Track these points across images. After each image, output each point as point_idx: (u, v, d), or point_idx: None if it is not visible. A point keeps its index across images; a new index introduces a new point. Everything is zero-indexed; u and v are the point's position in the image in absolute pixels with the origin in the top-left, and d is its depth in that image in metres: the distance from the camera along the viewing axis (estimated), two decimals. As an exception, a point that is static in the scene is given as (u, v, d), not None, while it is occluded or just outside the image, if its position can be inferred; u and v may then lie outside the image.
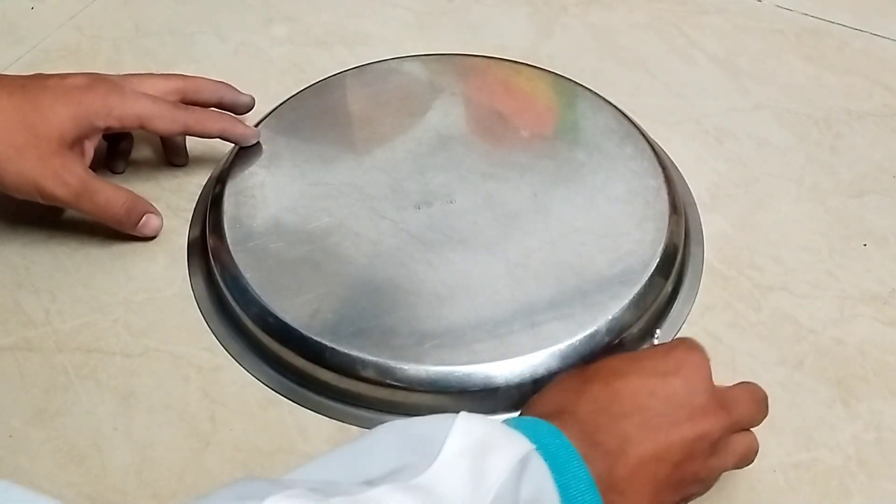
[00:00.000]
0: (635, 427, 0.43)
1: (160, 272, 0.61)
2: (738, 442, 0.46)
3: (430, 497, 0.37)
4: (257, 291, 0.56)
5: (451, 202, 0.60)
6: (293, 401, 0.54)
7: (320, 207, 0.60)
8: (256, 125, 0.65)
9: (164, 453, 0.52)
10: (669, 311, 0.58)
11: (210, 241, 0.59)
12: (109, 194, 0.59)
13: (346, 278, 0.56)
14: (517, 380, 0.52)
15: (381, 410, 0.53)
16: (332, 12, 0.78)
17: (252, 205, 0.60)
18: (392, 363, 0.53)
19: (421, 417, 0.41)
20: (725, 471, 0.45)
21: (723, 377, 0.54)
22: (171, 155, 0.66)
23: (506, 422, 0.42)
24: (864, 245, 0.61)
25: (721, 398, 0.45)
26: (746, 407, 0.46)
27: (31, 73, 0.60)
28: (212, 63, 0.74)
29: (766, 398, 0.47)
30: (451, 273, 0.56)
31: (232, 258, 0.57)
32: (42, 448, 0.53)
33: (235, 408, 0.54)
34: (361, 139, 0.65)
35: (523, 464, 0.39)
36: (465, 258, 0.57)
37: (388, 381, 0.52)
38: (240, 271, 0.57)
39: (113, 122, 0.58)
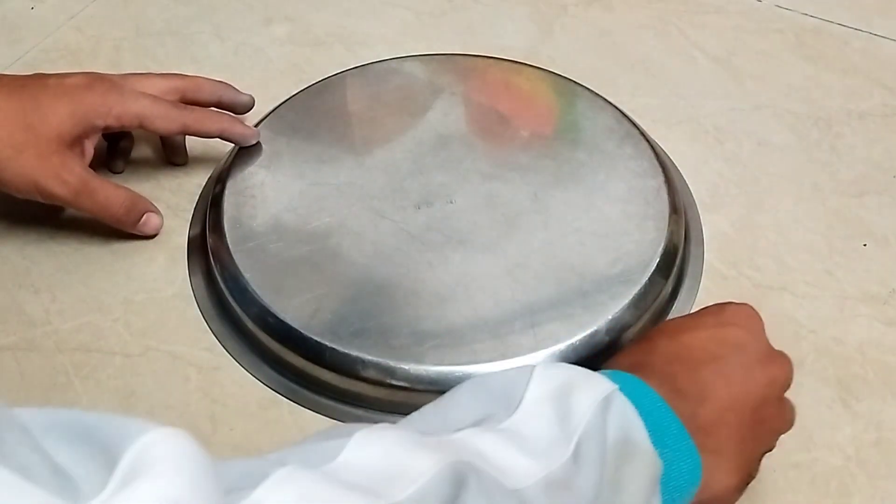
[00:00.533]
0: (712, 374, 0.43)
1: (160, 272, 0.61)
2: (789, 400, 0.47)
3: (516, 438, 0.38)
4: (257, 291, 0.56)
5: (451, 202, 0.60)
6: (293, 401, 0.54)
7: (320, 207, 0.60)
8: (256, 125, 0.65)
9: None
10: (669, 311, 0.58)
11: (210, 241, 0.59)
12: (109, 192, 0.59)
13: (346, 278, 0.56)
14: (517, 380, 0.52)
15: (381, 410, 0.53)
16: (332, 12, 0.78)
17: (252, 205, 0.60)
18: (392, 363, 0.53)
19: (499, 371, 0.42)
20: (789, 425, 0.47)
21: (723, 377, 0.55)
22: (171, 154, 0.66)
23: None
24: (864, 245, 0.61)
25: (773, 349, 0.46)
26: (788, 363, 0.47)
27: (31, 73, 0.60)
28: (212, 63, 0.74)
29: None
30: (451, 273, 0.56)
31: (232, 258, 0.57)
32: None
33: (235, 408, 0.54)
34: (361, 139, 0.65)
35: (607, 402, 0.40)
36: (465, 258, 0.57)
37: (388, 381, 0.52)
38: (240, 271, 0.57)
39: (112, 122, 0.58)
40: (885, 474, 0.51)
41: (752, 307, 0.48)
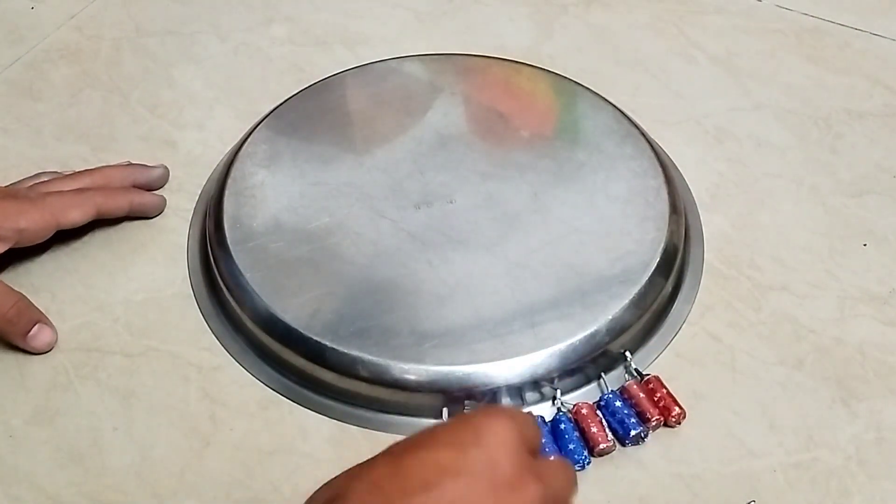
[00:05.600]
0: None
1: (160, 272, 0.61)
2: None
3: None
4: (257, 291, 0.56)
5: (451, 202, 0.60)
6: (293, 401, 0.54)
7: (320, 207, 0.60)
8: (256, 125, 0.65)
9: (164, 453, 0.52)
10: (669, 311, 0.58)
11: (210, 241, 0.59)
12: None
13: (346, 278, 0.56)
14: (517, 380, 0.53)
15: (381, 410, 0.53)
16: (332, 12, 0.78)
17: (252, 205, 0.60)
18: (392, 363, 0.53)
19: None
20: None
21: (723, 377, 0.55)
22: (141, 214, 0.63)
23: None
24: (864, 245, 0.61)
25: (529, 471, 0.38)
26: (561, 478, 0.40)
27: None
28: (212, 63, 0.74)
29: (576, 476, 0.42)
30: (451, 273, 0.56)
31: (232, 258, 0.57)
32: (42, 448, 0.53)
33: (235, 408, 0.54)
34: (361, 139, 0.65)
35: None
36: (465, 258, 0.57)
37: (388, 381, 0.52)
38: (240, 271, 0.57)
39: (25, 242, 0.58)
40: (885, 474, 0.51)
41: (508, 418, 0.39)
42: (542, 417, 0.53)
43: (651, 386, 0.53)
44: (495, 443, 0.37)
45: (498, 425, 0.38)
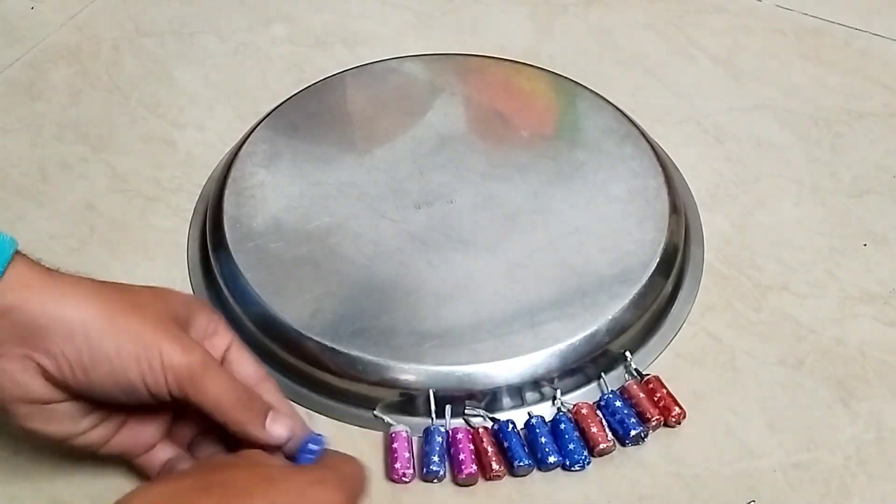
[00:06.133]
0: None
1: (160, 272, 0.61)
2: None
3: None
4: (257, 291, 0.56)
5: (451, 202, 0.60)
6: (293, 400, 0.54)
7: (320, 207, 0.60)
8: (256, 125, 0.65)
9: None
10: (669, 311, 0.58)
11: (210, 241, 0.59)
12: (234, 379, 0.47)
13: (346, 278, 0.56)
14: (517, 380, 0.53)
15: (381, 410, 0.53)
16: (332, 12, 0.78)
17: (252, 205, 0.60)
18: (392, 363, 0.53)
19: None
20: None
21: (723, 377, 0.55)
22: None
23: None
24: (864, 245, 0.61)
25: None
26: None
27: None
28: (212, 63, 0.74)
29: None
30: (451, 273, 0.56)
31: (232, 258, 0.57)
32: (42, 448, 0.53)
33: (235, 408, 0.54)
34: (361, 139, 0.65)
35: None
36: (465, 258, 0.57)
37: (388, 381, 0.52)
38: (240, 271, 0.57)
39: (213, 324, 0.49)
40: (885, 474, 0.51)
41: (337, 487, 0.40)
42: (542, 417, 0.53)
43: (651, 386, 0.53)
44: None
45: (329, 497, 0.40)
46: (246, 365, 0.49)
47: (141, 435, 0.48)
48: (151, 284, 0.47)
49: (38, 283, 0.43)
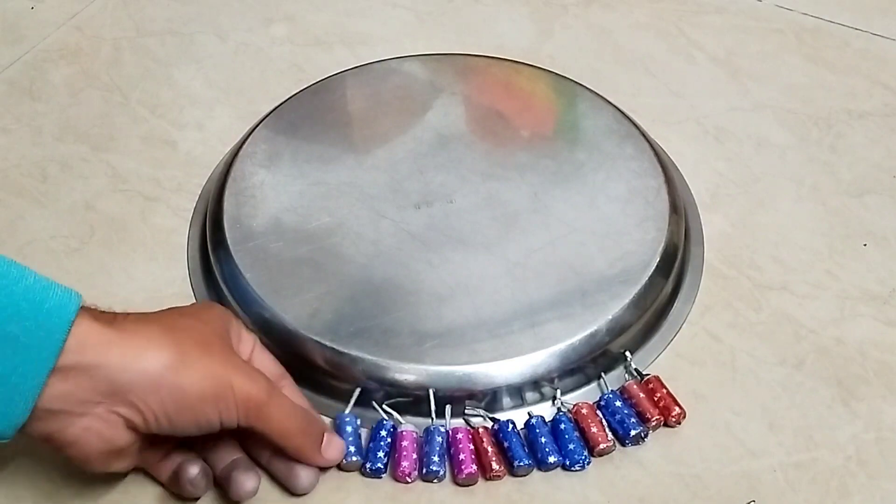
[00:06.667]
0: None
1: (160, 272, 0.61)
2: None
3: None
4: (257, 291, 0.56)
5: (451, 202, 0.60)
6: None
7: (320, 207, 0.60)
8: (256, 125, 0.65)
9: (164, 453, 0.52)
10: (669, 311, 0.58)
11: (210, 241, 0.59)
12: (291, 401, 0.49)
13: (346, 278, 0.56)
14: (517, 380, 0.53)
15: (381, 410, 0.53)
16: (332, 12, 0.78)
17: (252, 205, 0.60)
18: (392, 363, 0.53)
19: None
20: None
21: (723, 377, 0.55)
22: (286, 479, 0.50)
23: None
24: (864, 245, 0.61)
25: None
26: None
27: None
28: (212, 63, 0.74)
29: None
30: (451, 273, 0.56)
31: (232, 258, 0.57)
32: (42, 448, 0.53)
33: (235, 408, 0.54)
34: (361, 139, 0.65)
35: None
36: (465, 258, 0.57)
37: (388, 381, 0.52)
38: (240, 271, 0.57)
39: (238, 331, 0.51)
40: (885, 474, 0.51)
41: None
42: (542, 417, 0.53)
43: (651, 386, 0.53)
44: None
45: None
46: (268, 364, 0.51)
47: (162, 448, 0.49)
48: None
49: (114, 337, 0.44)
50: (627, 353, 0.55)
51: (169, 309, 0.49)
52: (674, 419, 0.52)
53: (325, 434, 0.49)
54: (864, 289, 0.59)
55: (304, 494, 0.50)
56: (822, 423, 0.53)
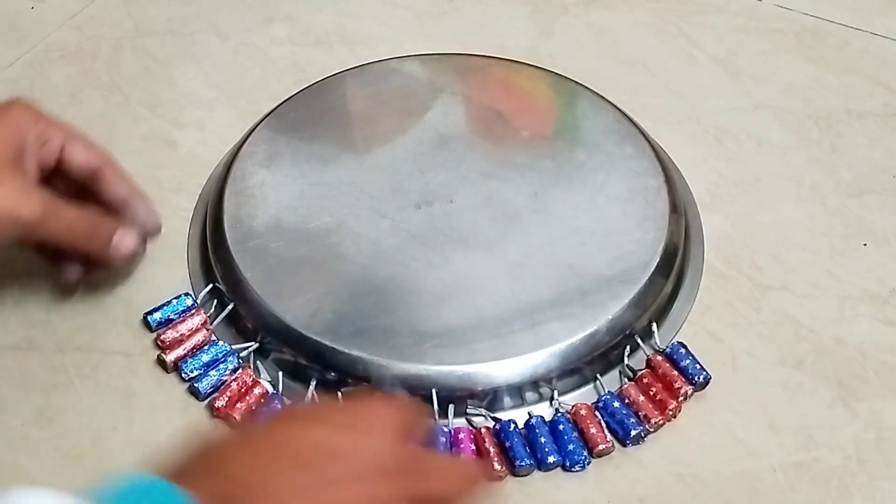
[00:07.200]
0: (286, 483, 0.36)
1: (160, 272, 0.61)
2: None
3: None
4: (257, 291, 0.56)
5: (452, 202, 0.60)
6: (293, 400, 0.54)
7: (320, 207, 0.60)
8: (256, 125, 0.65)
9: (164, 453, 0.52)
10: (669, 311, 0.58)
11: (210, 241, 0.59)
12: (73, 214, 0.53)
13: (346, 278, 0.56)
14: (517, 380, 0.53)
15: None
16: (332, 12, 0.78)
17: (252, 204, 0.60)
18: (392, 363, 0.53)
19: None
20: None
21: (723, 377, 0.55)
22: (132, 219, 0.57)
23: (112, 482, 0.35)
24: (864, 245, 0.61)
25: (413, 462, 0.39)
26: (444, 478, 0.40)
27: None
28: (212, 63, 0.74)
29: (475, 476, 0.42)
30: (451, 273, 0.56)
31: (232, 258, 0.57)
32: (42, 448, 0.53)
33: (235, 408, 0.54)
34: (361, 139, 0.65)
35: None
36: (465, 258, 0.57)
37: (388, 381, 0.52)
38: (240, 271, 0.57)
39: (41, 134, 0.53)
40: (885, 474, 0.51)
41: (394, 407, 0.40)
42: (541, 417, 0.53)
43: (646, 381, 0.53)
44: (374, 429, 0.39)
45: (381, 411, 0.40)
46: (81, 155, 0.54)
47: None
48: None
49: None
50: (626, 352, 0.55)
51: None
52: (671, 412, 0.52)
53: (118, 231, 0.54)
54: (864, 289, 0.59)
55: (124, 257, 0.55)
56: (822, 423, 0.53)
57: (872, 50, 0.74)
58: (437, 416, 0.52)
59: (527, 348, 0.53)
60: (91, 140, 0.56)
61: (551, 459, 0.51)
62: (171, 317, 0.57)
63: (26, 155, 0.52)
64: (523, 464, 0.50)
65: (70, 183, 0.55)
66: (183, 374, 0.55)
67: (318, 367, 0.54)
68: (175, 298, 0.57)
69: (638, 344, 0.55)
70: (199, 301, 0.58)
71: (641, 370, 0.54)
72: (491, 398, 0.53)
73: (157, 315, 0.57)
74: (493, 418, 0.52)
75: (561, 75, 0.69)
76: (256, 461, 0.37)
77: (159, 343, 0.56)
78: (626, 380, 0.55)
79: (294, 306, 0.55)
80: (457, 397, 0.52)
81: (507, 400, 0.53)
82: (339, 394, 0.53)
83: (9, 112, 0.53)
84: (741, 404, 0.54)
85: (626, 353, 0.55)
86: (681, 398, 0.53)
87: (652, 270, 0.56)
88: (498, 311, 0.54)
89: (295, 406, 0.43)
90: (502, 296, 0.55)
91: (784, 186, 0.65)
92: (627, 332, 0.55)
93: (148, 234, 0.58)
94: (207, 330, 0.56)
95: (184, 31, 0.77)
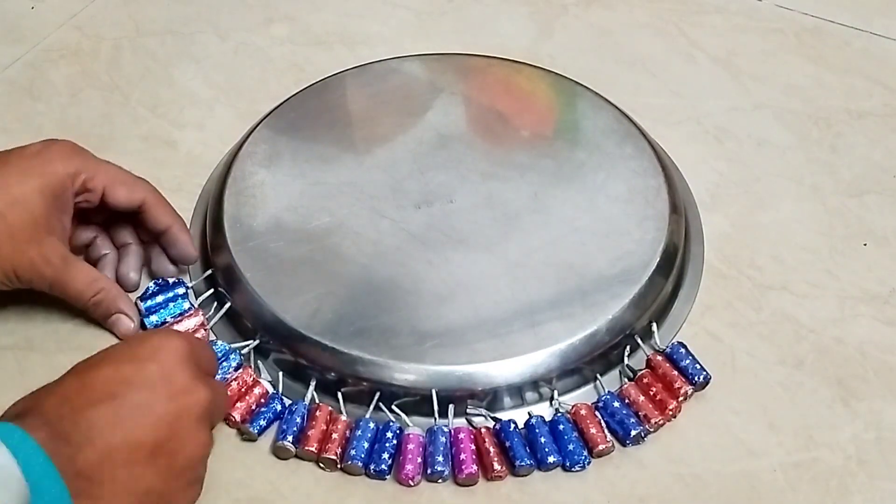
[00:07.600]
0: (105, 415, 0.42)
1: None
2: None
3: None
4: (257, 291, 0.56)
5: (451, 202, 0.60)
6: (293, 400, 0.54)
7: (320, 207, 0.60)
8: (256, 125, 0.65)
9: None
10: (669, 311, 0.58)
11: (210, 241, 0.59)
12: (80, 286, 0.55)
13: (346, 278, 0.56)
14: (517, 379, 0.53)
15: (381, 410, 0.53)
16: (332, 12, 0.78)
17: (252, 204, 0.60)
18: (392, 363, 0.53)
19: None
20: (205, 449, 0.46)
21: (723, 377, 0.55)
22: (169, 247, 0.59)
23: None
24: (864, 245, 0.61)
25: (204, 378, 0.46)
26: (223, 391, 0.49)
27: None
28: (212, 63, 0.74)
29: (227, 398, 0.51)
30: (451, 273, 0.56)
31: (232, 258, 0.57)
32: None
33: (235, 408, 0.54)
34: (361, 139, 0.65)
35: None
36: (465, 258, 0.57)
37: (388, 380, 0.52)
38: (240, 271, 0.57)
39: (80, 187, 0.55)
40: (885, 474, 0.51)
41: (180, 337, 0.47)
42: (541, 417, 0.53)
43: (646, 381, 0.53)
44: (170, 359, 0.45)
45: (173, 343, 0.46)
46: (123, 195, 0.56)
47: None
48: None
49: None
50: (626, 352, 0.55)
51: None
52: (671, 412, 0.52)
53: (118, 314, 0.56)
54: (864, 289, 0.59)
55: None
56: (822, 423, 0.53)
57: (872, 50, 0.74)
58: (437, 416, 0.52)
59: (527, 348, 0.53)
60: (132, 177, 0.57)
61: (551, 459, 0.51)
62: (168, 319, 0.57)
63: (64, 204, 0.54)
64: (523, 464, 0.50)
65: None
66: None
67: (318, 367, 0.54)
68: (172, 301, 0.57)
69: (638, 344, 0.55)
70: (197, 304, 0.58)
71: (641, 370, 0.54)
72: (491, 398, 0.53)
73: (153, 318, 0.57)
74: (493, 418, 0.52)
75: (561, 75, 0.69)
76: (71, 402, 0.43)
77: None
78: (626, 380, 0.55)
79: (294, 306, 0.55)
80: (457, 397, 0.52)
81: (507, 400, 0.53)
82: (339, 394, 0.53)
83: (48, 155, 0.54)
84: (741, 404, 0.54)
85: (626, 353, 0.55)
86: (681, 398, 0.53)
87: (652, 270, 0.56)
88: (498, 311, 0.54)
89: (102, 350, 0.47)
90: (502, 296, 0.55)
91: (784, 186, 0.65)
92: (627, 332, 0.55)
93: (182, 263, 0.60)
94: (206, 330, 0.56)
95: (184, 31, 0.77)
